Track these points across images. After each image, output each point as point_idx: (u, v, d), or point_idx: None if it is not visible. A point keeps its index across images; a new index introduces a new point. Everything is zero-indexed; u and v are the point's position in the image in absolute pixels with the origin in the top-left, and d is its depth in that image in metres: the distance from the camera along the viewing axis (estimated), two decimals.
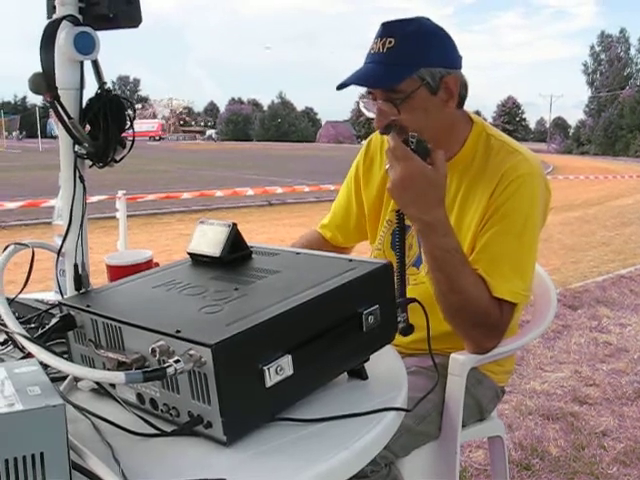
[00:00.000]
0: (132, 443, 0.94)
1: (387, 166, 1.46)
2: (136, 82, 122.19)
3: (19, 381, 0.85)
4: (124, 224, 6.31)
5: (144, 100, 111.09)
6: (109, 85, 1.31)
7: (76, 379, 1.12)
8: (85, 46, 1.22)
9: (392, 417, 1.05)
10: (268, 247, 1.33)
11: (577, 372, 3.93)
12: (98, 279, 1.33)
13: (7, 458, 0.75)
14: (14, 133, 68.06)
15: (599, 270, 7.14)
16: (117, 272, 1.52)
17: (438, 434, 1.64)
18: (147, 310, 1.08)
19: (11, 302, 1.16)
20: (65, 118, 1.21)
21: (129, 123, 1.30)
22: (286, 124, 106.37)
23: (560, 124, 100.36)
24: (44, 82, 1.18)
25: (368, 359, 1.16)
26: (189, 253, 1.29)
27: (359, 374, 1.16)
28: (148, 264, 1.57)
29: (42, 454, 0.77)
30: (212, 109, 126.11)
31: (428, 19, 1.56)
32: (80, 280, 1.25)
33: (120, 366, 0.99)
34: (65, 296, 1.31)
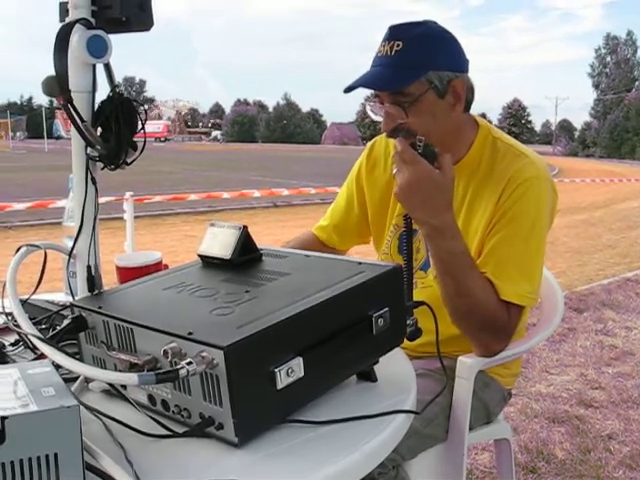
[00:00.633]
0: (144, 444, 0.95)
1: (394, 171, 1.46)
2: (142, 83, 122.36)
3: (33, 382, 0.85)
4: (131, 225, 6.33)
5: (150, 101, 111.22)
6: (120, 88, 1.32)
7: (87, 380, 1.12)
8: (98, 49, 1.23)
9: (401, 420, 1.06)
10: (278, 249, 1.34)
11: (583, 375, 3.92)
12: (104, 280, 1.34)
13: (22, 458, 0.76)
14: (18, 133, 68.19)
15: (605, 273, 7.12)
16: (127, 274, 1.52)
17: (445, 437, 1.64)
18: (159, 312, 1.08)
19: (23, 303, 1.16)
20: (78, 121, 1.22)
21: (140, 125, 1.30)
22: (292, 125, 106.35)
23: (566, 126, 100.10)
24: (57, 85, 1.19)
25: (377, 361, 1.17)
26: (200, 255, 1.30)
27: (368, 376, 1.17)
28: (157, 266, 1.58)
29: (56, 455, 0.77)
30: (217, 110, 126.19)
31: (435, 22, 1.56)
32: (93, 281, 1.25)
33: (132, 368, 0.99)
34: (76, 297, 1.32)
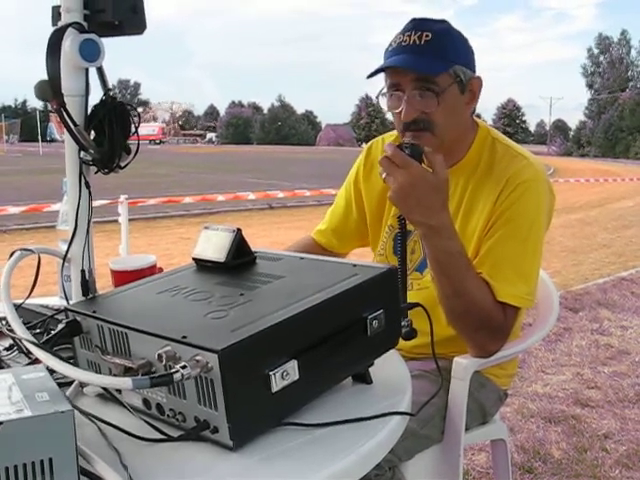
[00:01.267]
0: (139, 448, 0.95)
1: (383, 175, 1.45)
2: (136, 86, 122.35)
3: (27, 387, 0.85)
4: (126, 228, 6.31)
5: (144, 104, 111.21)
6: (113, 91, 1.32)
7: (82, 384, 1.12)
8: (90, 53, 1.23)
9: (397, 421, 1.06)
10: (272, 252, 1.34)
11: (579, 375, 3.93)
12: (99, 283, 1.34)
13: (16, 464, 0.76)
14: (12, 137, 68.00)
15: (600, 272, 7.14)
16: (121, 277, 1.52)
17: (441, 438, 1.64)
18: (153, 316, 1.08)
19: (17, 308, 1.16)
20: (71, 125, 1.22)
21: (134, 129, 1.30)
22: (286, 127, 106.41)
23: (560, 126, 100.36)
24: (50, 89, 1.19)
25: (373, 363, 1.17)
26: (194, 258, 1.30)
27: (364, 378, 1.17)
28: (152, 269, 1.58)
29: (51, 460, 0.77)
30: (212, 112, 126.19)
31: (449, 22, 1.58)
32: (87, 286, 1.25)
33: (126, 372, 0.99)
34: (70, 301, 1.32)
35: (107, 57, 1.27)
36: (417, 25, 1.53)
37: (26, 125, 72.45)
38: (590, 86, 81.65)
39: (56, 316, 1.36)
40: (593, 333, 4.81)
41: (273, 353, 0.96)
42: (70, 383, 1.12)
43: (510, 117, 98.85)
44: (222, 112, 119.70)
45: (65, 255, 1.31)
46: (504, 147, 1.63)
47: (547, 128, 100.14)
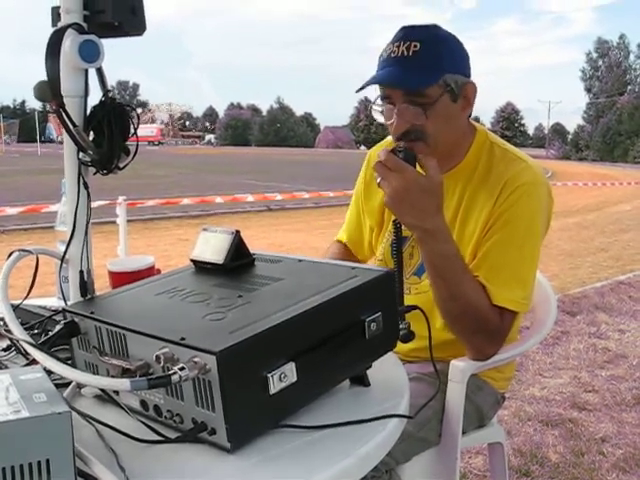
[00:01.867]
0: (136, 450, 0.95)
1: (378, 180, 1.45)
2: (135, 87, 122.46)
3: (24, 388, 0.85)
4: (124, 230, 6.31)
5: (143, 105, 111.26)
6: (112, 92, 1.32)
7: (79, 386, 1.12)
8: (90, 54, 1.23)
9: (395, 424, 1.06)
10: (270, 254, 1.34)
11: (576, 378, 3.93)
12: (97, 284, 1.34)
13: (13, 465, 0.75)
14: (10, 137, 67.96)
15: (598, 276, 7.15)
16: (119, 278, 1.52)
17: (438, 440, 1.64)
18: (151, 317, 1.08)
19: (15, 309, 1.16)
20: (70, 126, 1.22)
21: (133, 130, 1.30)
22: (285, 129, 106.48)
23: (558, 130, 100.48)
24: (49, 90, 1.19)
25: (370, 366, 1.17)
26: (192, 260, 1.30)
27: (361, 381, 1.17)
28: (150, 270, 1.57)
29: (48, 461, 0.77)
30: (211, 114, 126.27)
31: (441, 27, 1.55)
32: (86, 287, 1.25)
33: (124, 373, 0.99)
34: (68, 302, 1.32)
35: (106, 58, 1.27)
36: (406, 35, 1.51)
37: (24, 126, 72.49)
38: (589, 90, 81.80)
39: (54, 317, 1.36)
40: (590, 337, 4.81)
41: (271, 355, 0.96)
42: (67, 384, 1.11)
43: (509, 120, 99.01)
44: (221, 114, 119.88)
45: (63, 256, 1.30)
46: (502, 150, 1.63)
47: (545, 132, 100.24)
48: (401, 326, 1.25)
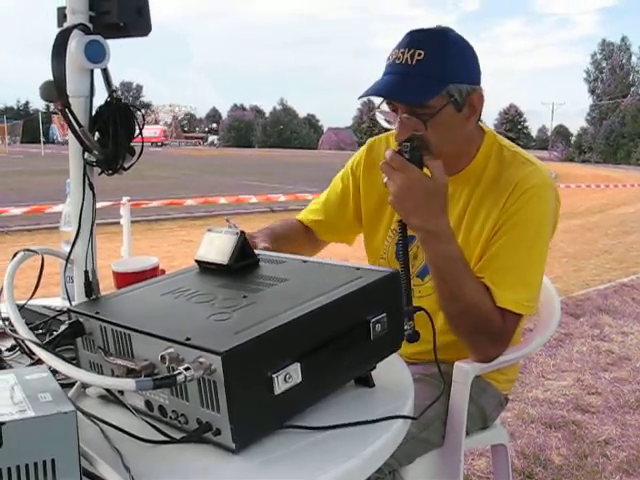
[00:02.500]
0: (141, 450, 0.95)
1: (385, 179, 1.45)
2: (139, 88, 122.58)
3: (30, 387, 0.85)
4: (128, 230, 6.33)
5: (147, 106, 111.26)
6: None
7: (84, 386, 1.12)
8: (95, 54, 1.23)
9: (399, 425, 1.06)
10: (275, 255, 1.34)
11: (579, 380, 3.93)
12: (101, 285, 1.34)
13: (19, 464, 0.76)
14: (14, 138, 68.11)
15: (601, 278, 7.14)
16: (124, 279, 1.52)
17: (442, 442, 1.64)
18: (156, 317, 1.08)
19: (21, 308, 1.16)
20: (75, 126, 1.22)
21: (138, 131, 1.30)
22: (288, 130, 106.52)
23: (562, 132, 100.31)
24: (55, 90, 1.19)
25: (375, 367, 1.17)
26: (197, 261, 1.30)
27: (366, 382, 1.17)
28: (154, 271, 1.58)
29: (53, 460, 0.78)
30: (214, 115, 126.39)
31: (453, 30, 1.53)
32: (91, 287, 1.25)
33: (129, 373, 0.99)
34: (73, 302, 1.32)
35: (110, 58, 1.27)
36: (412, 41, 1.49)
37: (28, 127, 72.60)
38: (593, 92, 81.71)
39: (59, 317, 1.36)
40: (594, 339, 4.80)
41: (276, 356, 0.96)
42: (72, 384, 1.12)
43: (512, 122, 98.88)
44: (224, 115, 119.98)
45: (68, 256, 1.31)
46: (512, 153, 1.62)
47: (549, 134, 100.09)
48: (406, 327, 1.25)
